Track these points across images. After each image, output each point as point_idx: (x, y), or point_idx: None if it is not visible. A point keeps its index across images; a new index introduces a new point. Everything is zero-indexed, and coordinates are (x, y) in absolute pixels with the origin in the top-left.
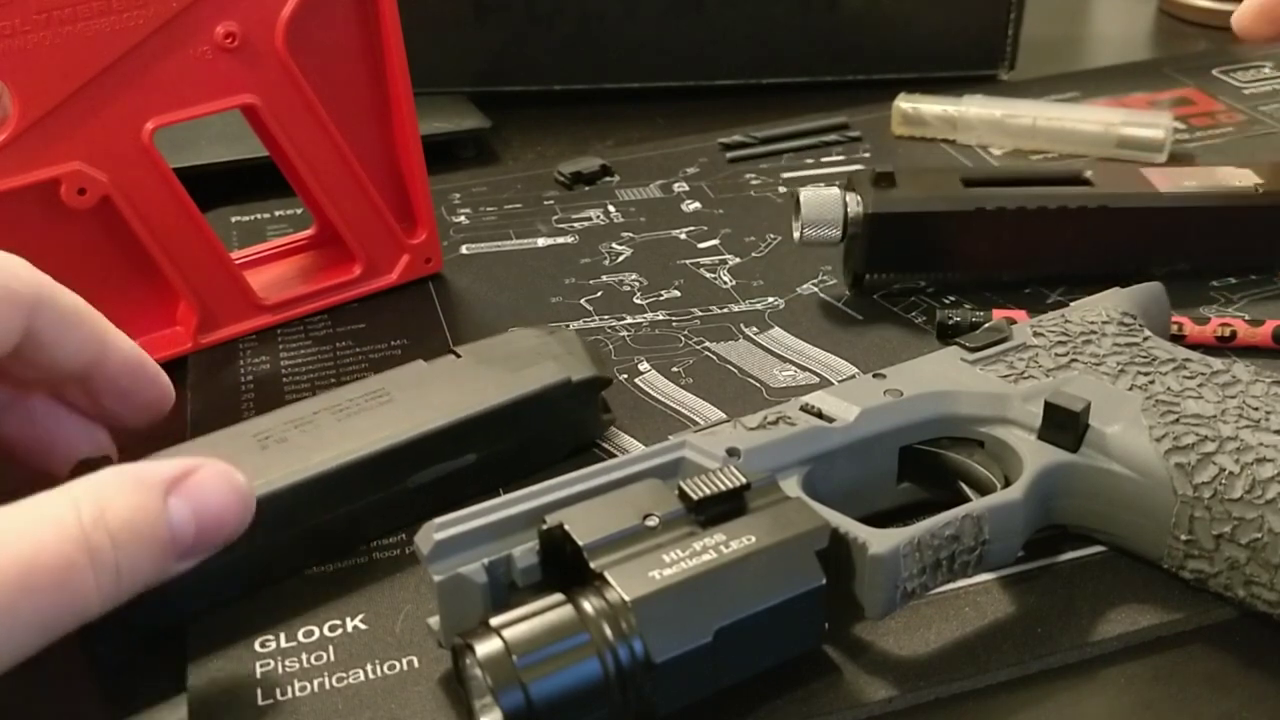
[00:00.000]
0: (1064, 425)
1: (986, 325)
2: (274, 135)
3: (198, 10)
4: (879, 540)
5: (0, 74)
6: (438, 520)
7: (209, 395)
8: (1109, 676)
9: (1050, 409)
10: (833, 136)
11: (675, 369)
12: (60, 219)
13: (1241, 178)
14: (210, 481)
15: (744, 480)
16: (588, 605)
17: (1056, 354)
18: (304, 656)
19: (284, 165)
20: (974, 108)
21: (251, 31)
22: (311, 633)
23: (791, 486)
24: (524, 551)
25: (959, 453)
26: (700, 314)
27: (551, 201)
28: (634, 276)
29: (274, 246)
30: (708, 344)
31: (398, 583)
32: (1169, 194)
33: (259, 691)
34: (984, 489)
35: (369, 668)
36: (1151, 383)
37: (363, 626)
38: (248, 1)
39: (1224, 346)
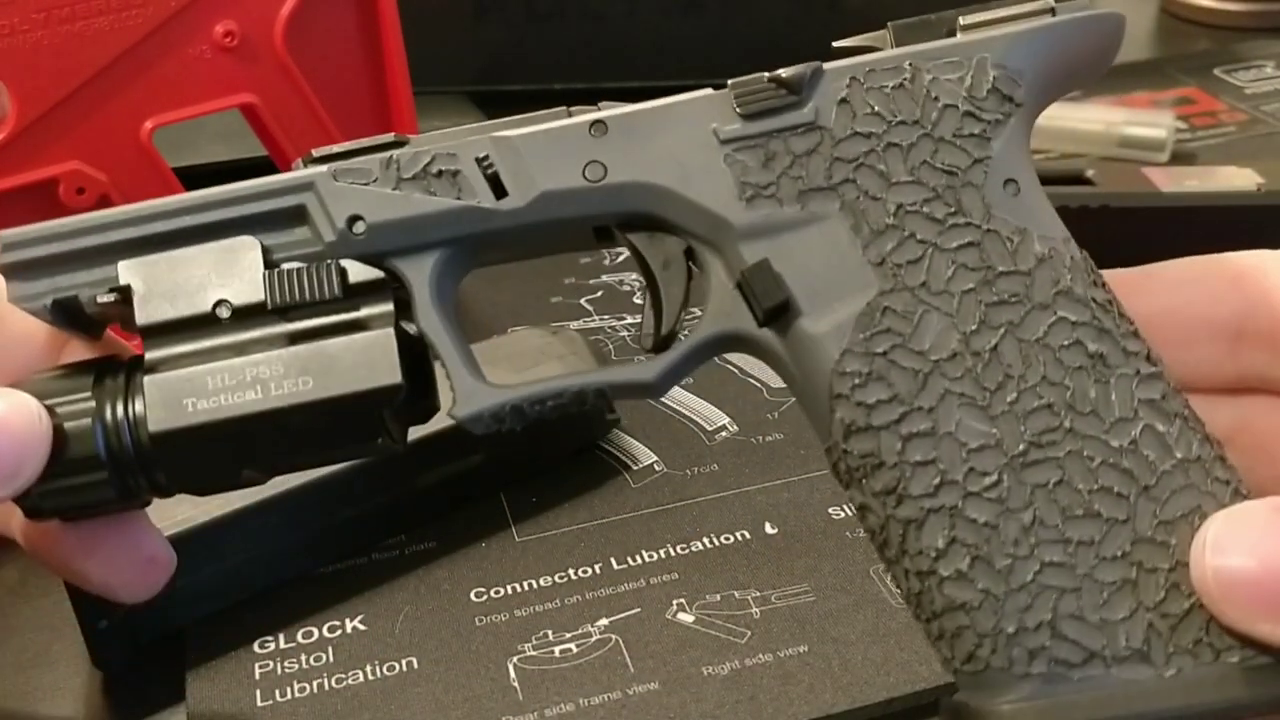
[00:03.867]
0: (762, 301)
1: (785, 73)
2: (273, 134)
3: (197, 9)
4: (468, 402)
5: None
6: (6, 235)
7: None
8: None
9: (751, 277)
10: None
11: None
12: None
13: (1243, 178)
14: None
15: (337, 293)
16: (112, 386)
17: (837, 159)
18: (303, 658)
19: (283, 164)
20: None
21: (251, 30)
22: (310, 634)
23: (419, 272)
24: (90, 299)
25: (653, 253)
26: (700, 314)
27: None
28: (634, 276)
29: None
30: None
31: (397, 584)
32: (1170, 194)
33: (258, 693)
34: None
35: (368, 669)
36: (916, 262)
37: (362, 628)
38: (247, 1)
39: None
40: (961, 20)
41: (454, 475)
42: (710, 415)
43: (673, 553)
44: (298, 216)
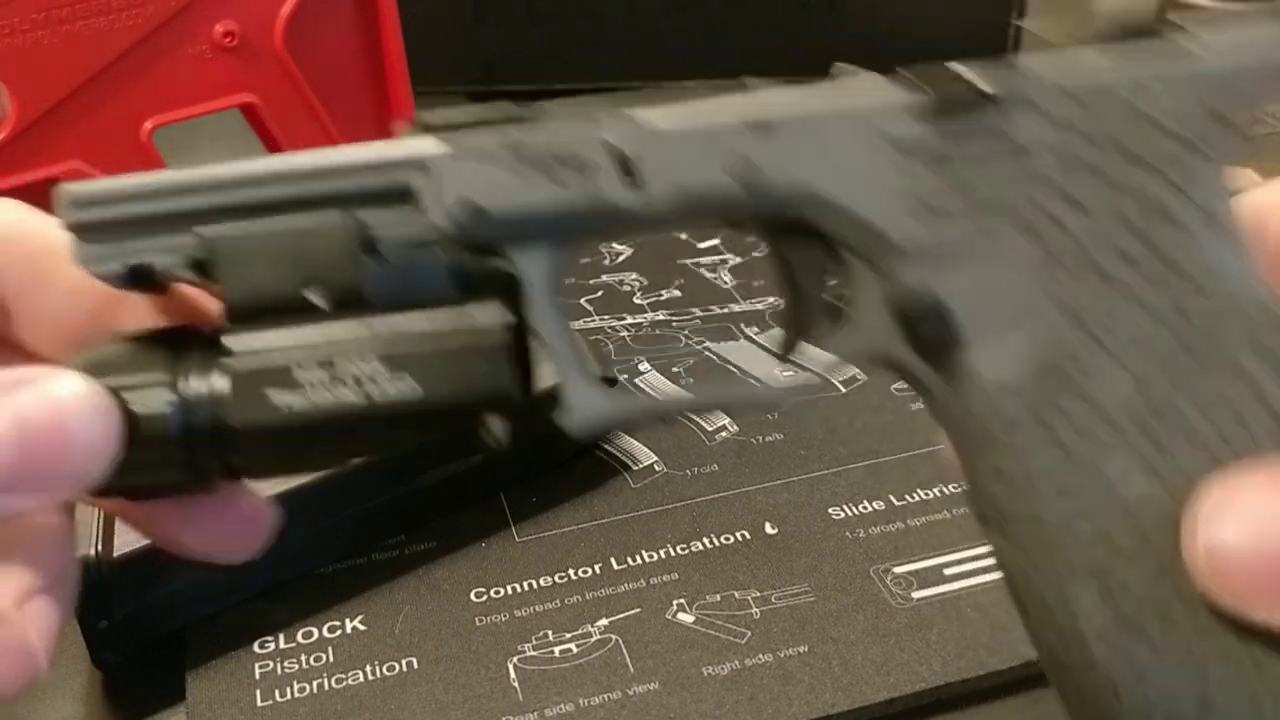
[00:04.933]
0: (920, 329)
1: (975, 70)
2: (273, 134)
3: (196, 9)
4: (580, 411)
5: None
6: (70, 191)
7: None
8: None
9: (910, 301)
10: None
11: (675, 369)
12: None
13: (1243, 178)
14: (52, 395)
15: (443, 287)
16: (189, 368)
17: (1026, 178)
18: (303, 658)
19: None
20: None
21: (250, 31)
22: (311, 634)
23: (535, 265)
24: (167, 266)
25: (796, 256)
26: (700, 314)
27: None
28: (634, 276)
29: None
30: (708, 344)
31: (397, 584)
32: None
33: (258, 693)
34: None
35: (368, 669)
36: (1101, 301)
37: (362, 628)
38: (247, 1)
39: None
40: (1175, 39)
41: (454, 475)
42: (710, 415)
43: (673, 553)
44: (403, 196)
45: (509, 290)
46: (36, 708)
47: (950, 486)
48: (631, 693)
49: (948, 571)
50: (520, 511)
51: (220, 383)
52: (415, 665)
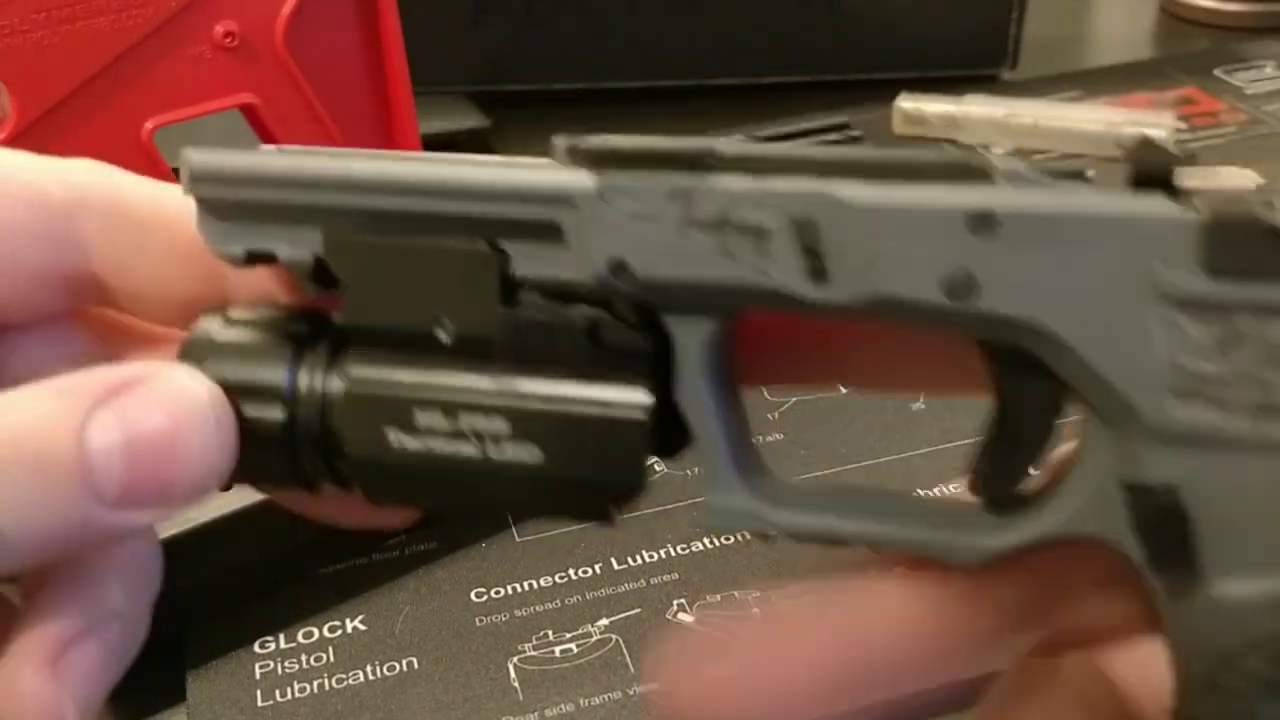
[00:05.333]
0: (1155, 536)
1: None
2: (273, 135)
3: (197, 9)
4: (719, 516)
5: None
6: (196, 163)
7: None
8: None
9: (1149, 500)
10: (833, 136)
11: None
12: None
13: (1243, 178)
14: (161, 397)
15: (583, 354)
16: (310, 376)
17: None
18: (303, 658)
19: None
20: (976, 107)
21: (251, 31)
22: (311, 634)
23: (692, 337)
24: (289, 259)
25: (1016, 387)
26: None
27: None
28: None
29: None
30: None
31: (397, 584)
32: None
33: (259, 693)
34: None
35: (368, 669)
36: None
37: (362, 628)
38: (247, 1)
39: None
40: None
41: None
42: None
43: (673, 553)
44: (552, 235)
45: (656, 359)
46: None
47: (951, 486)
48: (632, 693)
49: None
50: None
51: (339, 398)
52: (416, 665)
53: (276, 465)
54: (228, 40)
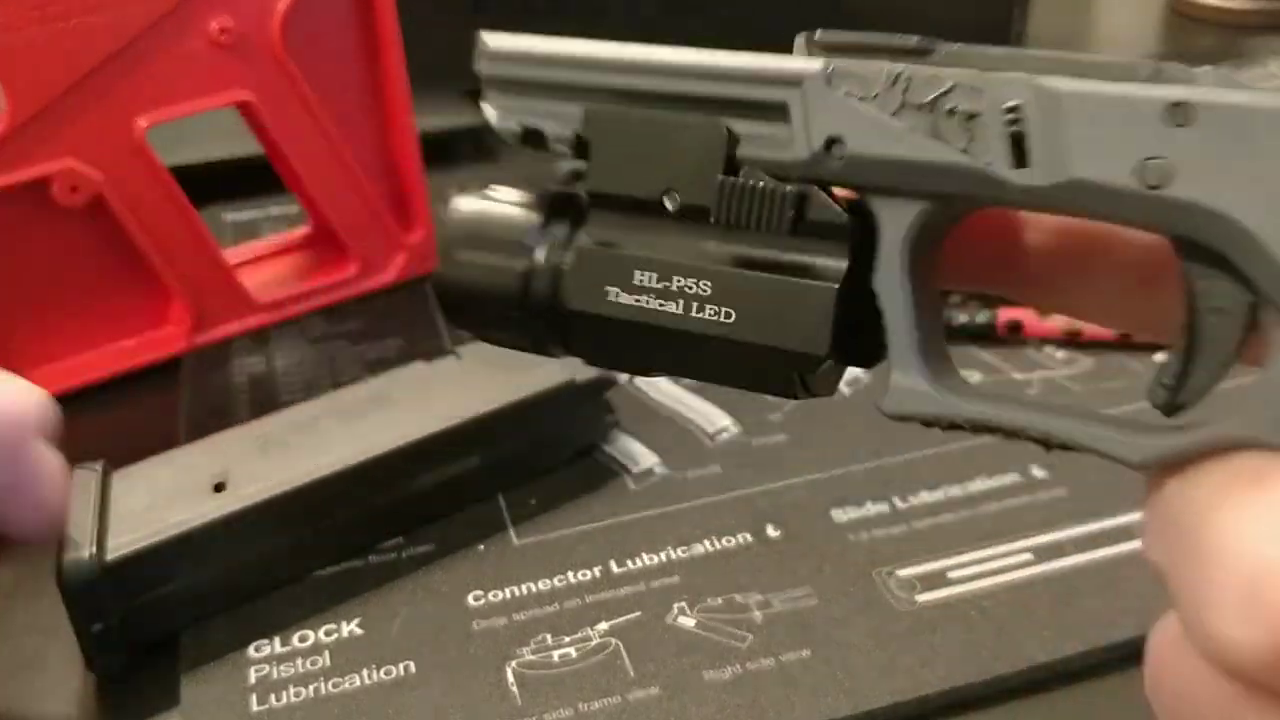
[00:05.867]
0: None
1: None
2: (269, 132)
3: (192, 6)
4: (900, 401)
5: None
6: (488, 42)
7: (203, 395)
8: (1118, 682)
9: None
10: None
11: None
12: (52, 217)
13: None
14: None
15: (787, 227)
16: (554, 237)
17: None
18: (299, 662)
19: (279, 163)
20: None
21: (247, 27)
22: (306, 638)
23: (896, 221)
24: (557, 138)
25: (1207, 292)
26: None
27: None
28: None
29: (269, 245)
30: None
31: (394, 587)
32: None
33: (253, 697)
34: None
35: (365, 673)
36: None
37: (359, 631)
38: None
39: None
40: None
41: (452, 478)
42: (711, 416)
43: (673, 556)
44: (778, 113)
45: (860, 242)
46: (31, 711)
47: (954, 489)
48: (631, 697)
49: (952, 575)
50: (519, 514)
51: (572, 256)
52: (412, 669)
53: (515, 317)
54: (223, 37)
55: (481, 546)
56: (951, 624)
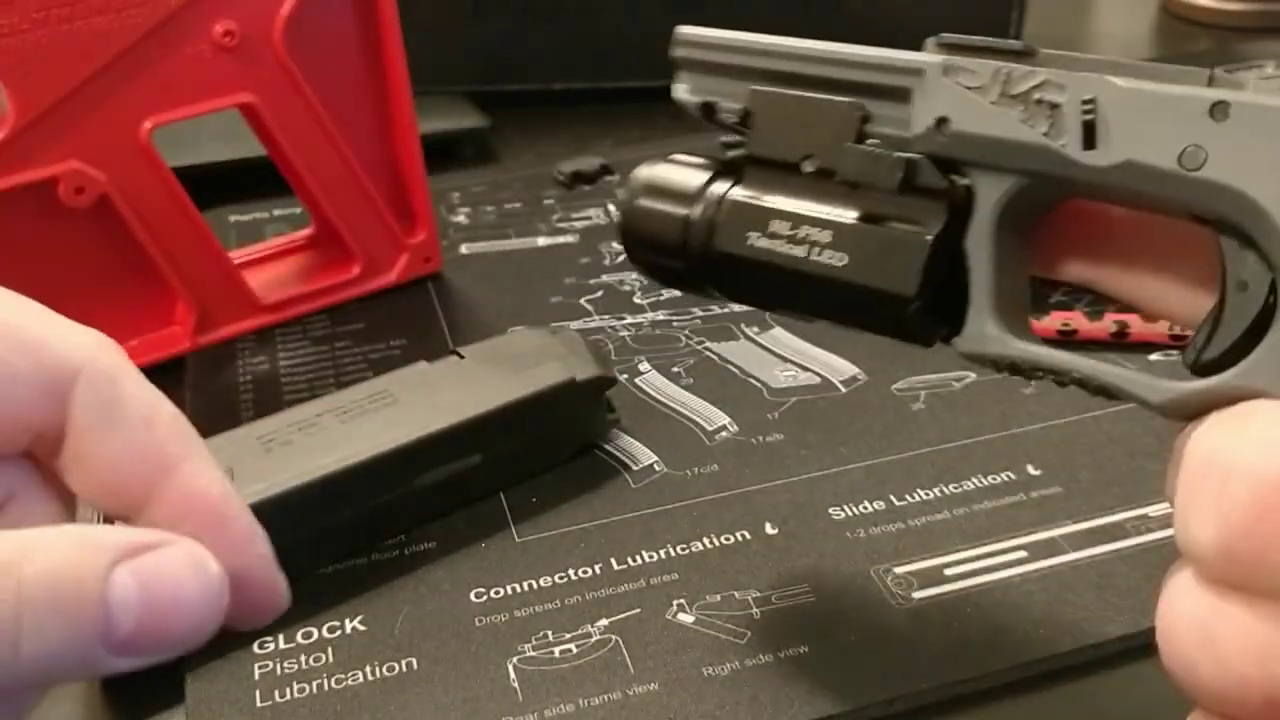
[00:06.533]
0: None
1: None
2: (272, 134)
3: (196, 9)
4: (972, 341)
5: None
6: (683, 31)
7: (207, 396)
8: (1111, 678)
9: None
10: None
11: (676, 369)
12: (58, 218)
13: None
14: (175, 564)
15: (896, 185)
16: (714, 192)
17: None
18: (303, 658)
19: (282, 164)
20: None
21: (250, 30)
22: (310, 634)
23: (991, 189)
24: (728, 111)
25: (1236, 267)
26: (701, 313)
27: (551, 201)
28: (634, 276)
29: (272, 246)
30: (708, 344)
31: (397, 584)
32: None
33: (257, 693)
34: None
35: (368, 670)
36: None
37: (361, 628)
38: (246, 0)
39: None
40: None
41: (454, 476)
42: (710, 415)
43: (673, 553)
44: (903, 96)
45: (959, 208)
46: (35, 708)
47: (951, 487)
48: (631, 693)
49: (948, 572)
50: (520, 512)
51: (727, 206)
52: (415, 666)
53: (678, 256)
54: (227, 39)
55: (483, 544)
56: (948, 621)
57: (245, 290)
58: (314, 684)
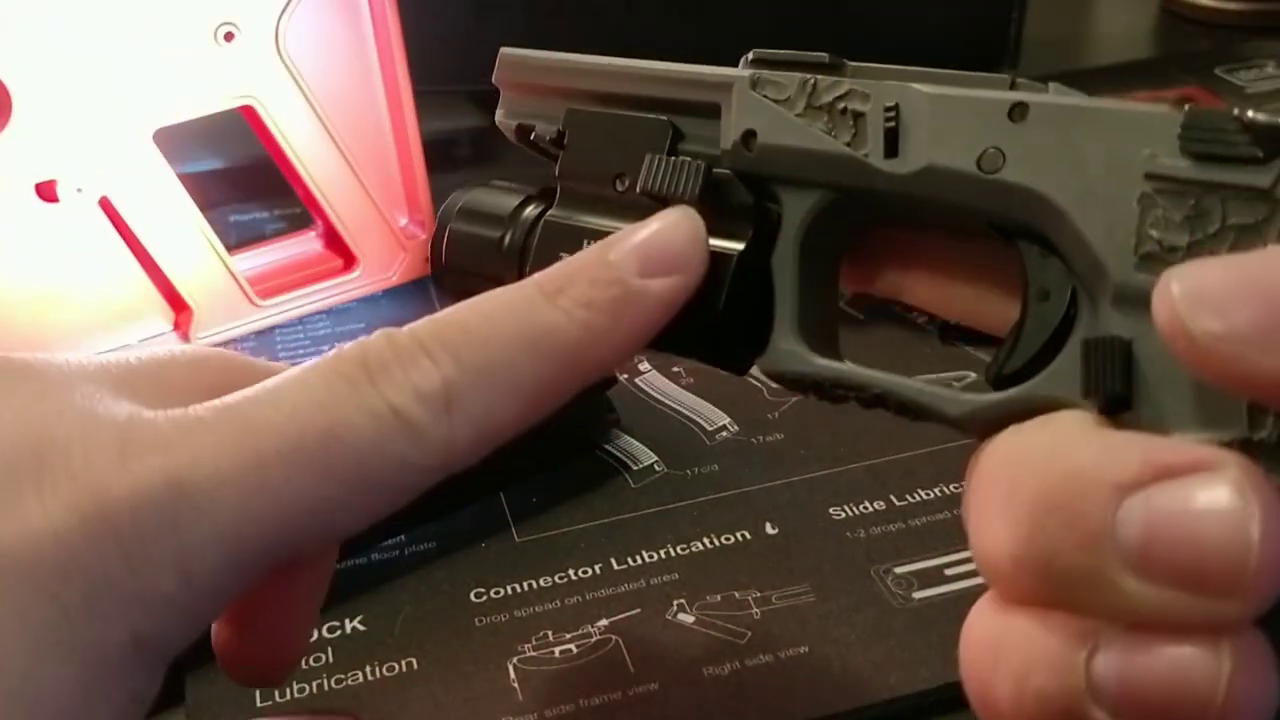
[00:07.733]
0: (1098, 385)
1: (1262, 118)
2: (273, 135)
3: (196, 9)
4: (775, 360)
5: None
6: (505, 53)
7: None
8: None
9: (1097, 350)
10: None
11: (676, 369)
12: (58, 219)
13: None
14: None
15: (696, 194)
16: (524, 217)
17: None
18: (303, 658)
19: (283, 165)
20: None
21: (250, 30)
22: (310, 634)
23: (797, 205)
24: (540, 133)
25: (1037, 276)
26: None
27: None
28: None
29: (272, 247)
30: None
31: (396, 584)
32: None
33: (257, 693)
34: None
35: (367, 669)
36: None
37: (361, 628)
38: (247, 1)
39: None
40: None
41: (454, 476)
42: (710, 415)
43: (673, 553)
44: (712, 112)
45: (768, 227)
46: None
47: (951, 486)
48: (632, 693)
49: (949, 572)
50: (520, 511)
51: (540, 227)
52: (415, 666)
53: (486, 279)
54: (227, 40)
55: (483, 544)
56: (948, 621)
57: (245, 290)
58: (314, 684)
